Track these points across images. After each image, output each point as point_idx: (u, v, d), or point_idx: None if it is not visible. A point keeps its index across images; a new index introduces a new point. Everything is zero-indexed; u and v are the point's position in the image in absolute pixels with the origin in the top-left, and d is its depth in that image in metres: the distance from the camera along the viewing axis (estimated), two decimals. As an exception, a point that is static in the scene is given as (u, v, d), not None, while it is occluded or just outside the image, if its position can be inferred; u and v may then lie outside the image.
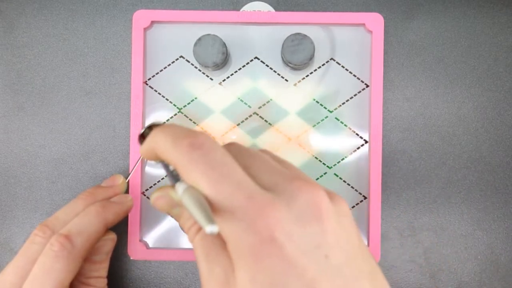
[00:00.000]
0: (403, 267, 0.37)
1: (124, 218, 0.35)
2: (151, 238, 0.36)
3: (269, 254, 0.20)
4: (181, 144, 0.22)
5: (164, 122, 0.27)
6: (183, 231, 0.25)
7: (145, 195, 0.36)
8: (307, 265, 0.20)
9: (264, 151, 0.25)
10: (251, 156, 0.24)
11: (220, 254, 0.23)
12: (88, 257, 0.31)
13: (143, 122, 0.36)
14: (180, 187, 0.22)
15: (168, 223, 0.36)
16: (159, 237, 0.36)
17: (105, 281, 0.33)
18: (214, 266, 0.23)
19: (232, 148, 0.24)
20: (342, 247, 0.21)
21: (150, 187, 0.36)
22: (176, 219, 0.26)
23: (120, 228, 0.35)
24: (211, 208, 0.21)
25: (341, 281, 0.21)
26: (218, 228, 0.19)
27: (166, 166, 0.27)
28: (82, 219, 0.30)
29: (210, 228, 0.19)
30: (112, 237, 0.32)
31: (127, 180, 0.35)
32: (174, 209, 0.25)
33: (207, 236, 0.23)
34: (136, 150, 0.36)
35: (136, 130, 0.35)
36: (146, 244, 0.36)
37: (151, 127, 0.27)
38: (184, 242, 0.36)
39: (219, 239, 0.23)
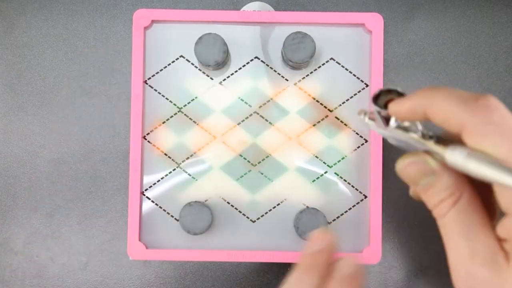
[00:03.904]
0: (403, 267, 0.37)
1: (122, 216, 0.35)
2: (150, 238, 0.36)
3: None
4: (475, 105, 0.21)
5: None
6: (430, 204, 0.23)
7: (144, 194, 0.36)
8: None
9: None
10: None
11: (481, 231, 0.22)
12: None
13: (143, 122, 0.36)
14: (459, 151, 0.21)
15: (168, 223, 0.36)
16: (159, 237, 0.36)
17: None
18: (477, 244, 0.22)
19: None
20: None
21: (150, 186, 0.36)
22: (422, 191, 0.24)
23: (119, 228, 0.35)
24: None
25: None
26: None
27: (412, 129, 0.25)
28: None
29: None
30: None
31: None
32: (426, 178, 0.23)
33: (464, 211, 0.22)
34: (136, 150, 0.36)
35: (136, 129, 0.35)
36: (145, 244, 0.36)
37: (389, 91, 0.25)
38: (184, 242, 0.36)
39: (478, 215, 0.22)
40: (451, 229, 0.23)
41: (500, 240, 0.22)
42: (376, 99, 0.27)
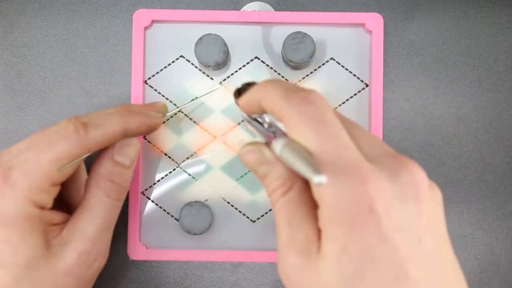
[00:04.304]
0: None
1: (122, 216, 0.35)
2: (151, 238, 0.36)
3: (365, 225, 0.19)
4: (294, 97, 0.22)
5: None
6: (267, 192, 0.25)
7: (144, 194, 0.36)
8: (400, 244, 0.20)
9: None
10: (351, 124, 0.23)
11: (304, 221, 0.22)
12: (111, 156, 0.30)
13: (143, 122, 0.36)
14: (279, 142, 0.22)
15: (168, 223, 0.36)
16: (159, 237, 0.36)
17: (125, 193, 0.31)
18: (297, 232, 0.22)
19: (335, 113, 0.23)
20: (434, 233, 0.21)
21: (150, 186, 0.36)
22: (260, 179, 0.25)
23: (119, 228, 0.35)
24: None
25: (429, 266, 0.20)
26: (326, 179, 0.18)
27: (260, 122, 0.26)
28: (104, 115, 0.29)
29: (318, 178, 0.18)
30: (135, 143, 0.31)
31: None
32: (262, 167, 0.24)
33: (292, 201, 0.23)
34: (136, 150, 0.36)
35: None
36: (146, 244, 0.36)
37: (249, 84, 0.27)
38: (184, 242, 0.36)
39: (305, 206, 0.23)
40: (278, 217, 0.23)
41: (319, 231, 0.22)
42: (239, 93, 0.28)
